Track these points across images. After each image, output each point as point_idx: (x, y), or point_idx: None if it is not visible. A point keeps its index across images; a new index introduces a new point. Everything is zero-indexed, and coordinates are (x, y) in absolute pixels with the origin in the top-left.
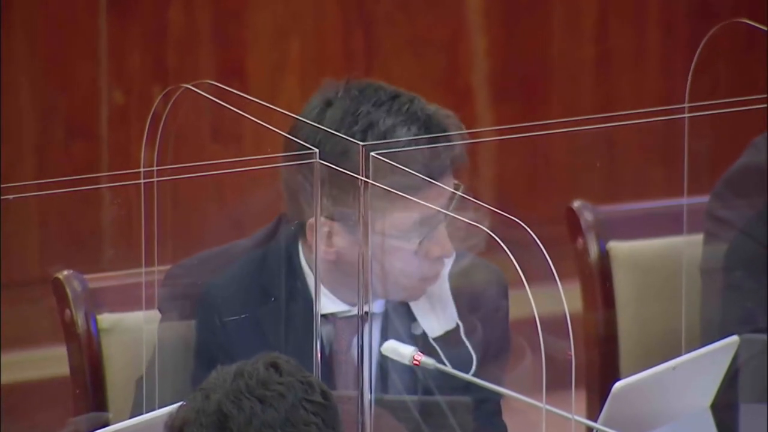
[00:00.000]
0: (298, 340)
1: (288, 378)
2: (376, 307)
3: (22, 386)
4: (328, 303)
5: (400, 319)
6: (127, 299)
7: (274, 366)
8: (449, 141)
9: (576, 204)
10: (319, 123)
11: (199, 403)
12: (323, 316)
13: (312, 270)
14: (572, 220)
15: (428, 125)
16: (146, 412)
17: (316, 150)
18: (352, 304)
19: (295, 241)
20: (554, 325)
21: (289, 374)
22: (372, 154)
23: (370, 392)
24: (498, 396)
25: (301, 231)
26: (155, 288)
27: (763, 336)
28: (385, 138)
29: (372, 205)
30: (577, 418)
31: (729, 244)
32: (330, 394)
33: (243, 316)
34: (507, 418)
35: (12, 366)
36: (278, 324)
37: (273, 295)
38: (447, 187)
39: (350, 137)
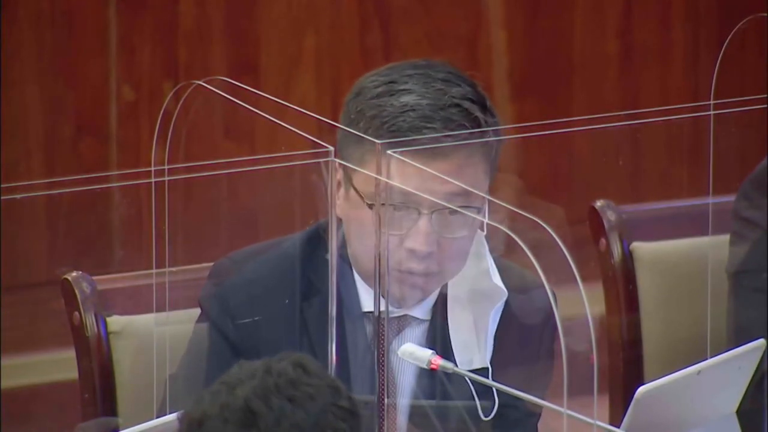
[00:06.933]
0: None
1: (316, 380)
2: (420, 312)
3: (29, 390)
4: (369, 300)
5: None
6: (137, 301)
7: (302, 366)
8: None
9: (599, 203)
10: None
11: (224, 398)
12: (365, 313)
13: (351, 266)
14: (595, 220)
15: None
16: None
17: (331, 148)
18: (393, 304)
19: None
20: (576, 329)
21: (317, 376)
22: (389, 152)
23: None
24: (535, 418)
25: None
26: (166, 290)
27: None
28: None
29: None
30: (599, 423)
31: (755, 245)
32: (355, 401)
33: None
34: None
35: (19, 370)
36: (318, 321)
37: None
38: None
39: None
